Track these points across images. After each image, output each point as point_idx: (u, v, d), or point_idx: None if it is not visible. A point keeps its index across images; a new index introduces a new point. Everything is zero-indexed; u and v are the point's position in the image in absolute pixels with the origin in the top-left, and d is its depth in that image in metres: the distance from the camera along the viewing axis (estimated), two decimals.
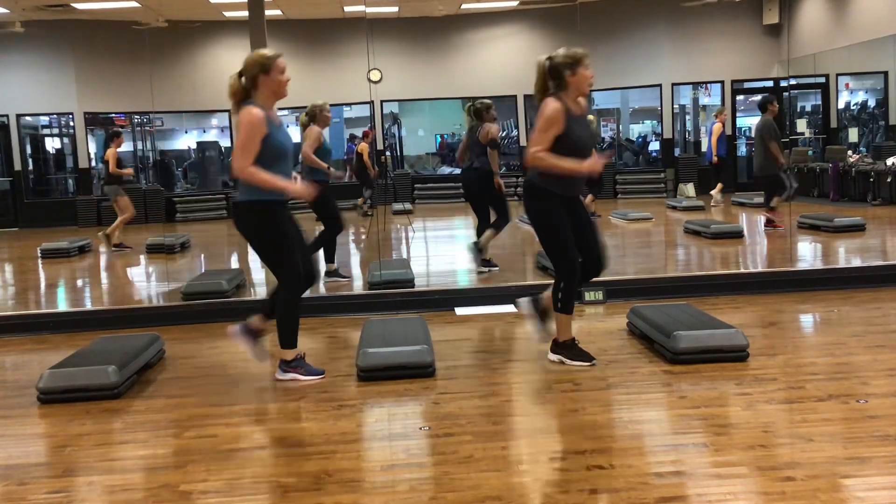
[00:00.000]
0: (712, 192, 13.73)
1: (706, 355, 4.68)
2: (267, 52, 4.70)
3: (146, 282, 9.39)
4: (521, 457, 3.51)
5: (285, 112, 19.37)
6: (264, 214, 4.54)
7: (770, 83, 16.90)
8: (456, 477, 3.26)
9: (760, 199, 13.49)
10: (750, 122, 17.97)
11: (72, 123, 16.75)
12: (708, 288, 6.69)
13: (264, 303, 4.94)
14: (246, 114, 4.48)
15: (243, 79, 4.62)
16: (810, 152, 15.63)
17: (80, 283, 9.66)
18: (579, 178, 4.68)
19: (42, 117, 17.65)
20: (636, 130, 19.86)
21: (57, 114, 17.24)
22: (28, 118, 17.11)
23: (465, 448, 3.56)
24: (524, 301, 4.92)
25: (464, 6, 16.44)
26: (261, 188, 4.44)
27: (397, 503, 3.07)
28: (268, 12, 13.67)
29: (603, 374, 4.60)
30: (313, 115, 7.51)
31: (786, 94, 16.28)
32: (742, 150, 17.05)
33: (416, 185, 17.53)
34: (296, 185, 4.59)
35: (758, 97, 17.80)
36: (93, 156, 17.14)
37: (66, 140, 17.50)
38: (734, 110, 16.93)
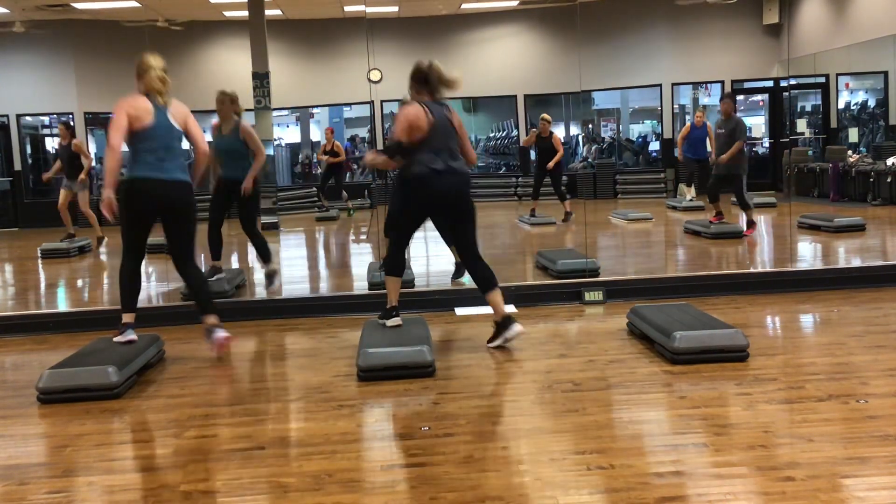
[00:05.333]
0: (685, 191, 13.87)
1: (706, 355, 4.68)
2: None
3: (146, 282, 9.38)
4: (521, 457, 3.50)
5: (285, 112, 19.42)
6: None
7: (770, 83, 16.89)
8: (456, 477, 3.26)
9: (761, 199, 13.55)
10: (750, 122, 17.99)
11: (72, 123, 16.71)
12: (708, 288, 6.70)
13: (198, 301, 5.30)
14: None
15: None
16: (810, 152, 15.63)
17: (80, 283, 9.66)
18: None
19: (42, 117, 17.64)
20: (636, 130, 19.85)
21: (57, 114, 17.21)
22: (28, 118, 17.11)
23: (465, 448, 3.56)
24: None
25: (464, 6, 16.43)
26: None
27: (397, 503, 3.07)
28: (268, 12, 13.70)
29: (603, 374, 4.60)
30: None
31: (786, 94, 16.28)
32: None
33: None
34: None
35: (758, 97, 17.87)
36: (93, 156, 17.12)
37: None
38: (734, 110, 16.89)
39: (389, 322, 5.26)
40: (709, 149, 13.05)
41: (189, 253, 5.33)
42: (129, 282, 5.27)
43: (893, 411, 3.81)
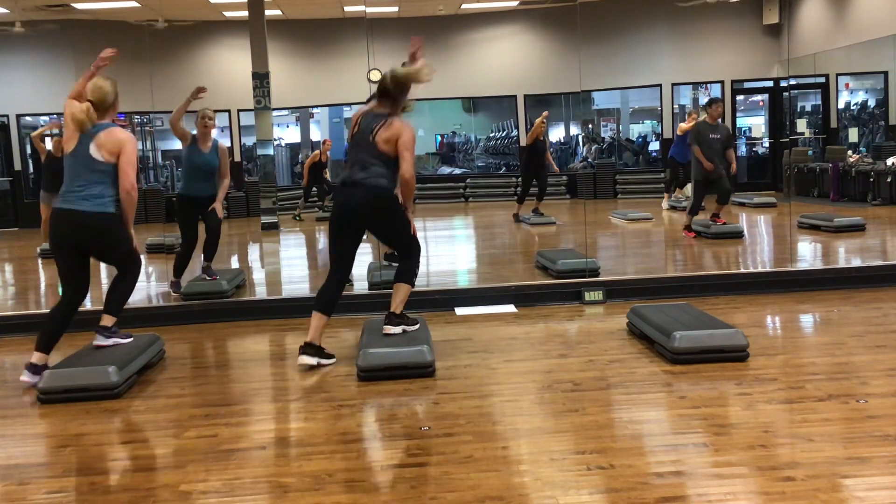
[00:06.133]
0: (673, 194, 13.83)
1: (706, 355, 4.68)
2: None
3: (146, 282, 9.38)
4: (521, 457, 3.50)
5: (285, 112, 19.42)
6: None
7: (770, 83, 16.89)
8: (456, 477, 3.26)
9: (761, 199, 13.56)
10: (749, 122, 17.99)
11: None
12: (708, 288, 6.70)
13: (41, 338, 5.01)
14: (128, 133, 5.02)
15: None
16: (810, 152, 15.63)
17: None
18: None
19: (42, 117, 17.64)
20: (636, 130, 19.85)
21: (57, 114, 17.19)
22: (28, 118, 17.11)
23: (465, 448, 3.56)
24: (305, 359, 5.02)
25: (464, 6, 16.43)
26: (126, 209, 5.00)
27: (397, 503, 3.07)
28: (268, 12, 13.70)
29: (603, 374, 4.60)
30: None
31: (786, 94, 16.28)
32: (742, 149, 17.05)
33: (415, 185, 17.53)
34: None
35: (758, 97, 17.87)
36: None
37: None
38: (734, 110, 16.93)
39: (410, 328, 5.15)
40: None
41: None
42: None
43: (893, 411, 3.81)
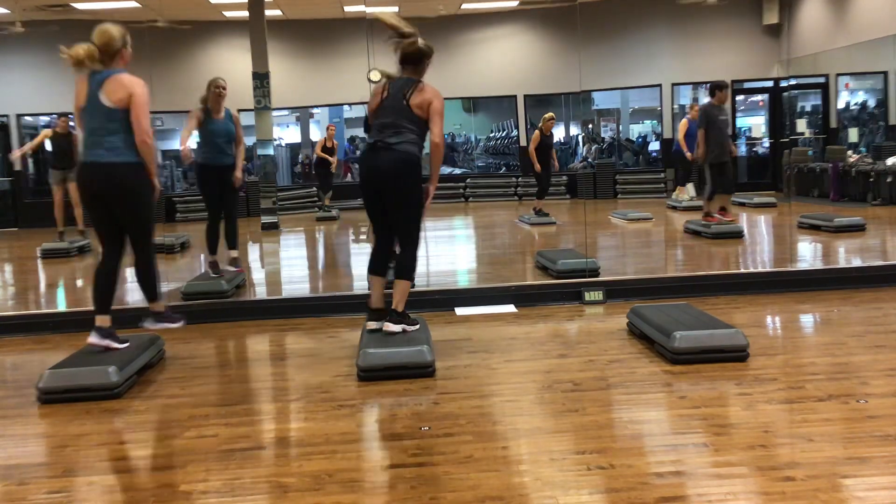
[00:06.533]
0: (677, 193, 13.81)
1: (706, 355, 4.68)
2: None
3: None
4: (521, 457, 3.50)
5: (285, 112, 19.42)
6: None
7: (770, 83, 16.90)
8: (456, 477, 3.26)
9: (761, 199, 13.56)
10: (749, 121, 17.99)
11: (72, 124, 16.72)
12: (708, 288, 6.70)
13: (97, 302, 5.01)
14: (138, 80, 4.84)
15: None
16: (810, 152, 15.63)
17: (80, 283, 9.65)
18: None
19: (42, 117, 17.64)
20: (636, 130, 19.87)
21: (57, 114, 17.21)
22: (28, 118, 17.11)
23: (465, 448, 3.56)
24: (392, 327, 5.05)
25: (464, 6, 16.44)
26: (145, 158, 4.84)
27: (397, 503, 3.07)
28: (268, 12, 13.70)
29: (603, 374, 4.60)
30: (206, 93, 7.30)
31: (786, 94, 16.28)
32: (742, 149, 17.05)
33: None
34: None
35: (758, 97, 17.87)
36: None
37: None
38: (734, 110, 16.94)
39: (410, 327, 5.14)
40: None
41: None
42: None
43: (893, 411, 3.81)
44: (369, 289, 5.28)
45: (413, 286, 5.25)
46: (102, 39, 4.85)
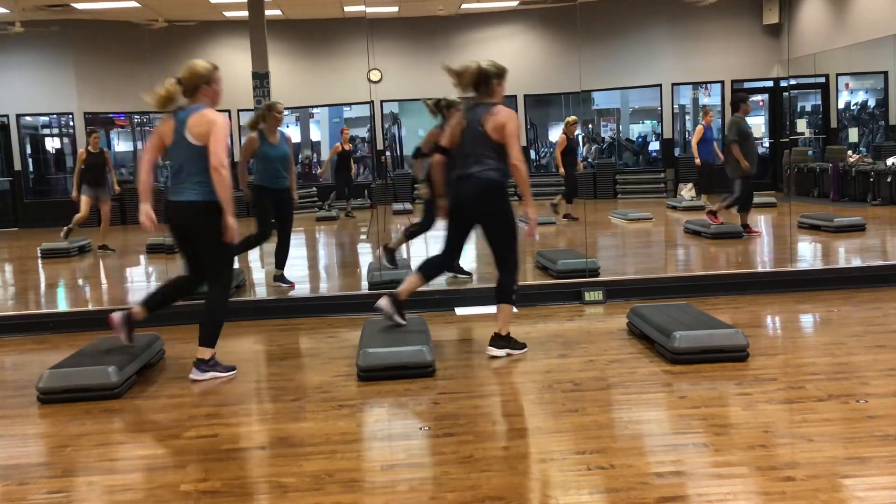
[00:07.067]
0: (683, 192, 13.79)
1: (706, 355, 4.68)
2: (207, 63, 4.89)
3: (146, 282, 9.39)
4: (521, 457, 3.50)
5: (285, 112, 19.40)
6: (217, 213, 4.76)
7: (770, 83, 16.89)
8: (456, 477, 3.26)
9: (761, 199, 13.53)
10: (749, 122, 17.96)
11: (72, 123, 16.75)
12: (708, 288, 6.70)
13: (150, 296, 5.10)
14: (218, 115, 4.77)
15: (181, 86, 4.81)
16: (810, 152, 15.62)
17: (80, 283, 9.66)
18: None
19: (42, 117, 17.65)
20: (636, 130, 19.86)
21: (57, 114, 17.23)
22: (28, 118, 17.11)
23: (465, 448, 3.56)
24: (384, 302, 5.19)
25: (464, 6, 16.43)
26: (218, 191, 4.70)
27: (397, 503, 3.07)
28: (268, 12, 13.69)
29: (603, 374, 4.60)
30: (262, 117, 7.30)
31: (786, 94, 16.28)
32: None
33: (415, 185, 17.53)
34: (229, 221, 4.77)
35: (758, 97, 17.86)
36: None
37: (66, 140, 17.51)
38: (734, 110, 16.91)
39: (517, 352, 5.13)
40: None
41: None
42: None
43: (893, 411, 3.81)
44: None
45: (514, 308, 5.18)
46: (185, 73, 4.81)
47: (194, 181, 4.75)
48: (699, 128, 13.18)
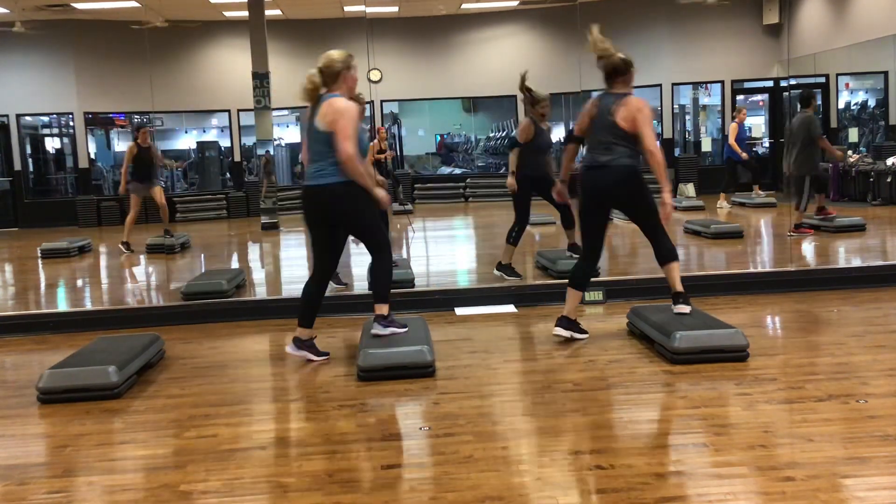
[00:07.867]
0: (722, 196, 13.66)
1: (706, 355, 4.68)
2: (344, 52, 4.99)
3: (146, 282, 9.39)
4: (521, 457, 3.50)
5: (285, 112, 19.41)
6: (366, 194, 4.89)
7: (770, 83, 16.89)
8: (456, 477, 3.26)
9: (761, 199, 13.54)
10: (750, 122, 17.95)
11: (72, 123, 16.76)
12: (708, 288, 6.69)
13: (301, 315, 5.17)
14: (345, 103, 4.81)
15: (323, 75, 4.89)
16: None
17: (80, 283, 9.66)
18: None
19: (42, 117, 17.66)
20: None
21: (57, 114, 17.25)
22: (28, 118, 17.12)
23: (465, 448, 3.56)
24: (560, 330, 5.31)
25: (464, 6, 16.45)
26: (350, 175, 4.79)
27: (397, 503, 3.07)
28: (268, 12, 13.71)
29: (603, 374, 4.60)
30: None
31: (786, 94, 16.27)
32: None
33: (416, 185, 17.55)
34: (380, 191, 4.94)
35: (758, 97, 17.86)
36: (93, 155, 17.16)
37: (66, 140, 17.52)
38: (733, 110, 16.93)
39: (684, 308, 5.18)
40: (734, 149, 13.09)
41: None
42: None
43: (893, 411, 3.81)
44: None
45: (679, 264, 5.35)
46: (324, 62, 4.90)
47: (324, 166, 4.87)
48: (733, 125, 13.38)
